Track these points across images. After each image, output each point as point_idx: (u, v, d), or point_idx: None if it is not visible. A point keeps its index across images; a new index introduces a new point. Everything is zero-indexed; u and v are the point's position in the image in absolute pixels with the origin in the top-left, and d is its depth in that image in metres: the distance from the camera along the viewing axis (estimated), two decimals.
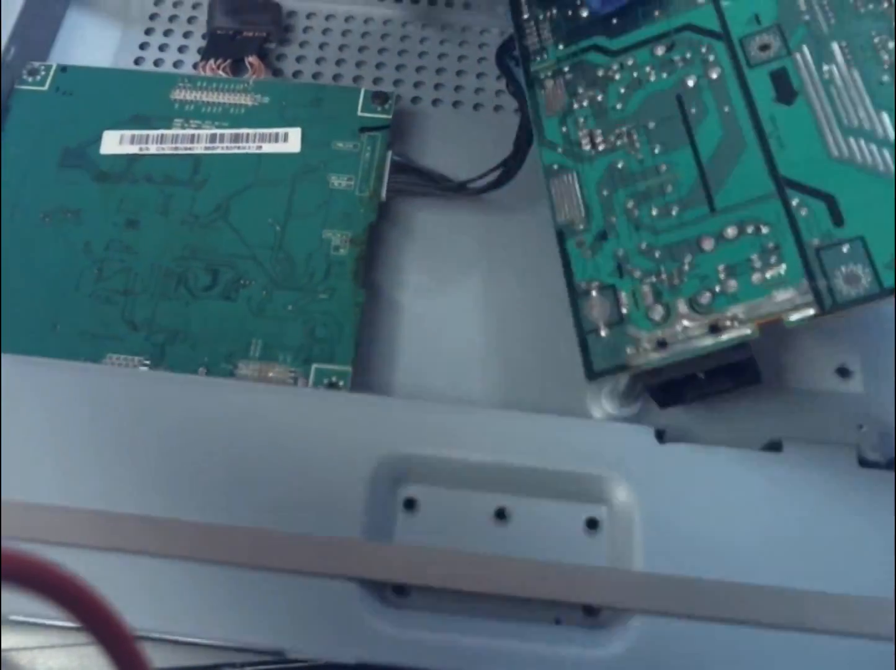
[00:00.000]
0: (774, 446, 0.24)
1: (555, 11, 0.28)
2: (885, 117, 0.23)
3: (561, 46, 0.28)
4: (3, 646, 0.22)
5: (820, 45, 0.24)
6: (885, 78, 0.23)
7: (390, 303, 0.28)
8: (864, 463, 0.24)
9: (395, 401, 0.24)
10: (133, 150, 0.29)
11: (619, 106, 0.26)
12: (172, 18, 0.35)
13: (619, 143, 0.25)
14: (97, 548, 0.22)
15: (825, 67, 0.24)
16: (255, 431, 0.23)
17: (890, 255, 0.21)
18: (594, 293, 0.24)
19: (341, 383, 0.26)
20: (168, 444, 0.23)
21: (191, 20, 0.35)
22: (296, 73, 0.33)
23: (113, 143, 0.29)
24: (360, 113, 0.30)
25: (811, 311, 0.22)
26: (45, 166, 0.29)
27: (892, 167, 0.22)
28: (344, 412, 0.24)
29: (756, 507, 0.23)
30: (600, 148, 0.26)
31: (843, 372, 0.27)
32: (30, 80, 0.30)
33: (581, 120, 0.26)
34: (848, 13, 0.24)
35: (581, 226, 0.25)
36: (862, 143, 0.23)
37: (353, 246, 0.27)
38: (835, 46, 0.24)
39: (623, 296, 0.24)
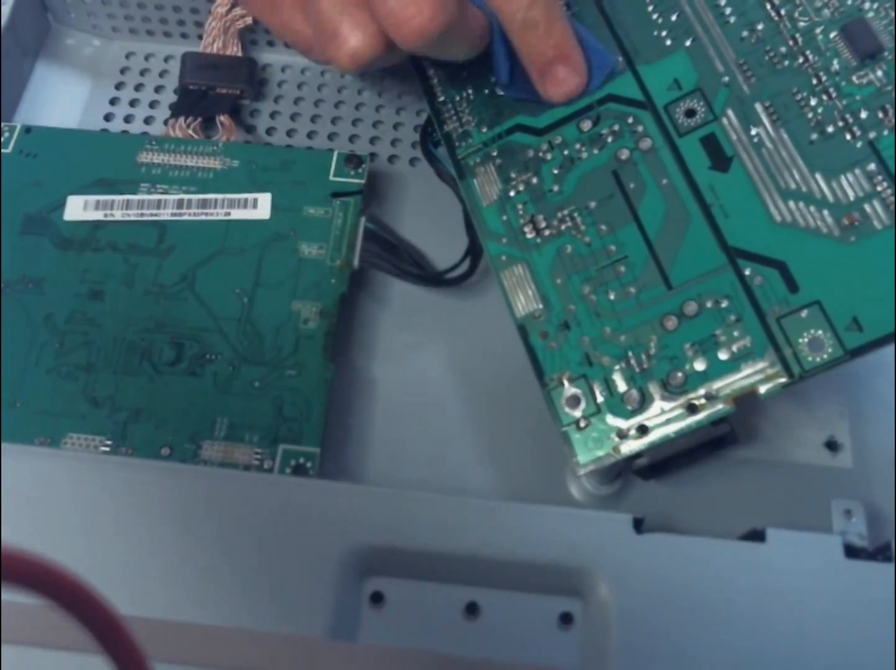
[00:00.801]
0: (757, 535, 0.23)
1: (470, 91, 0.28)
2: (820, 178, 0.24)
3: (484, 129, 0.28)
4: None
5: (744, 106, 0.25)
6: (814, 136, 0.24)
7: (363, 377, 0.28)
8: (850, 551, 0.24)
9: (362, 489, 0.24)
10: (98, 216, 0.29)
11: (555, 188, 0.26)
12: (144, 72, 0.35)
13: (563, 227, 0.26)
14: (40, 646, 0.21)
15: (753, 130, 0.25)
16: (214, 521, 0.23)
17: (849, 317, 0.22)
18: (566, 385, 0.25)
19: (309, 465, 0.25)
20: (121, 534, 0.23)
21: (162, 74, 0.35)
22: (269, 130, 0.34)
23: (77, 208, 0.29)
24: (332, 177, 0.30)
25: (781, 380, 0.23)
26: (6, 233, 0.29)
27: (836, 228, 0.23)
28: (309, 500, 0.23)
29: (737, 604, 0.22)
30: (545, 234, 0.26)
31: (832, 445, 0.27)
32: None
33: (520, 206, 0.27)
34: (765, 70, 0.25)
35: (541, 318, 0.25)
36: (801, 205, 0.23)
37: (322, 318, 0.27)
38: (758, 107, 0.25)
39: (596, 385, 0.24)
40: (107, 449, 0.26)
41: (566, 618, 0.23)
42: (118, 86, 0.35)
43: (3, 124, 0.31)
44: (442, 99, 0.29)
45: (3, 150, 0.30)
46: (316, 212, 0.29)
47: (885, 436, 0.27)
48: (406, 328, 0.29)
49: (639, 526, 0.23)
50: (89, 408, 0.26)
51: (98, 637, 0.13)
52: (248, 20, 0.34)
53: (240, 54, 0.34)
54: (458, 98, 0.28)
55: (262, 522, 0.23)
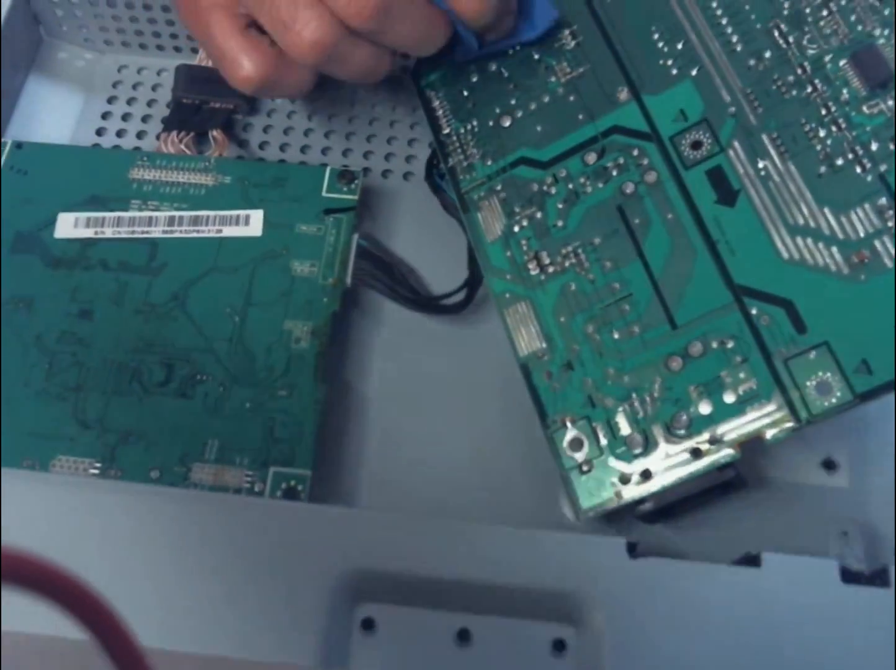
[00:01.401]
0: (752, 560, 0.23)
1: (475, 123, 0.28)
2: (829, 213, 0.23)
3: (489, 162, 0.27)
4: None
5: (751, 138, 0.24)
6: (823, 169, 0.23)
7: (357, 398, 0.28)
8: (847, 575, 0.23)
9: (353, 512, 0.24)
10: (88, 233, 0.29)
11: (560, 223, 0.26)
12: (136, 86, 0.35)
13: (567, 263, 0.25)
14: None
15: (760, 163, 0.24)
16: (203, 546, 0.23)
17: (858, 359, 0.21)
18: (569, 426, 0.24)
19: (300, 488, 0.25)
20: (108, 559, 0.22)
21: (155, 87, 0.35)
22: (262, 144, 0.33)
23: (68, 226, 0.29)
24: (325, 193, 0.29)
25: (788, 425, 0.22)
26: None
27: (845, 265, 0.22)
28: (300, 524, 0.23)
29: (732, 630, 0.22)
30: (549, 271, 0.25)
31: (829, 464, 0.27)
32: None
33: (524, 242, 0.26)
34: (773, 100, 0.24)
35: (545, 358, 0.25)
36: (810, 242, 0.23)
37: (314, 338, 0.27)
38: (766, 139, 0.24)
39: (599, 427, 0.23)
40: (96, 471, 0.25)
41: (559, 645, 0.23)
42: (110, 100, 0.34)
43: None
44: (447, 131, 0.28)
45: None
46: (308, 229, 0.29)
47: (883, 455, 0.27)
48: (400, 348, 0.28)
49: (633, 550, 0.23)
50: (78, 430, 0.26)
51: (98, 636, 0.13)
52: None
53: None
54: (462, 130, 0.28)
55: (252, 547, 0.23)
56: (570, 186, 0.26)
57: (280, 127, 0.33)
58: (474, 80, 0.28)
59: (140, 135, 0.33)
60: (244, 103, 0.33)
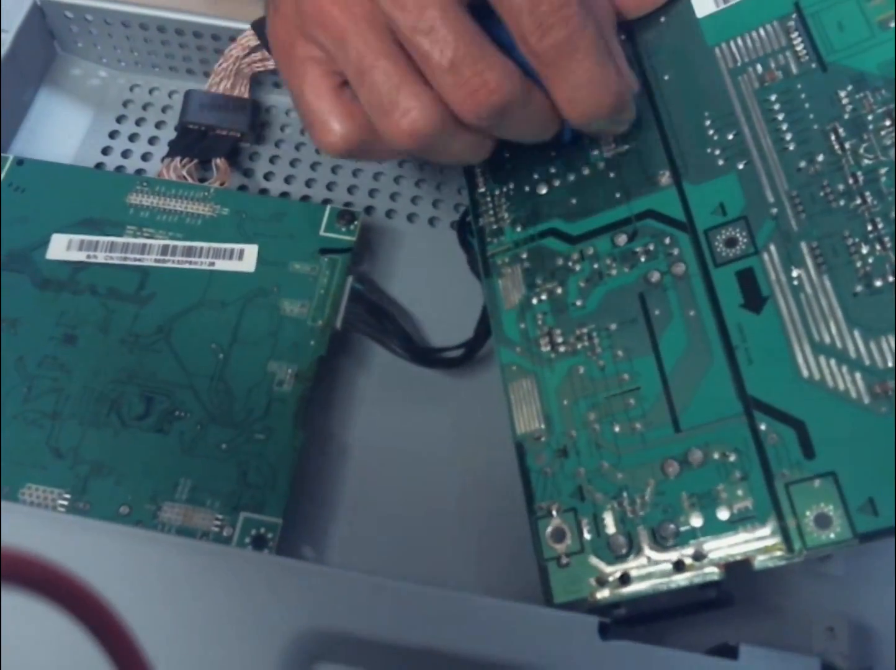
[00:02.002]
0: (729, 651, 0.22)
1: (512, 186, 0.27)
2: (858, 336, 0.21)
3: (518, 228, 0.26)
4: None
5: (789, 244, 0.22)
6: (859, 288, 0.21)
7: (337, 446, 0.27)
8: None
9: (318, 569, 0.23)
10: (80, 256, 0.28)
11: (579, 302, 0.25)
12: (146, 106, 0.34)
13: (579, 345, 0.24)
14: None
15: (794, 272, 0.22)
16: (161, 593, 0.22)
17: (864, 496, 0.20)
18: (555, 515, 0.23)
19: (269, 536, 0.25)
20: None
21: (165, 109, 0.34)
22: (267, 175, 0.33)
23: (60, 247, 0.29)
24: (322, 232, 0.29)
25: (779, 554, 0.21)
26: None
27: (866, 394, 0.21)
28: (263, 577, 0.23)
29: None
30: (560, 350, 0.24)
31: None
32: None
33: (540, 316, 0.25)
34: (819, 207, 0.22)
35: (541, 440, 0.24)
36: (833, 363, 0.21)
37: (297, 382, 0.26)
38: (804, 247, 0.22)
39: (585, 522, 0.23)
40: (65, 502, 0.24)
41: None
42: (119, 119, 0.33)
43: None
44: (482, 190, 0.27)
45: None
46: (302, 268, 0.28)
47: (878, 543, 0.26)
48: (388, 397, 0.28)
49: (604, 631, 0.23)
50: (51, 459, 0.25)
51: (98, 636, 0.13)
52: (269, 65, 0.32)
53: (246, 96, 0.33)
54: (497, 192, 0.27)
55: (211, 597, 0.22)
56: (595, 266, 0.25)
57: (287, 158, 0.33)
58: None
59: (145, 156, 0.33)
60: (251, 132, 0.32)
